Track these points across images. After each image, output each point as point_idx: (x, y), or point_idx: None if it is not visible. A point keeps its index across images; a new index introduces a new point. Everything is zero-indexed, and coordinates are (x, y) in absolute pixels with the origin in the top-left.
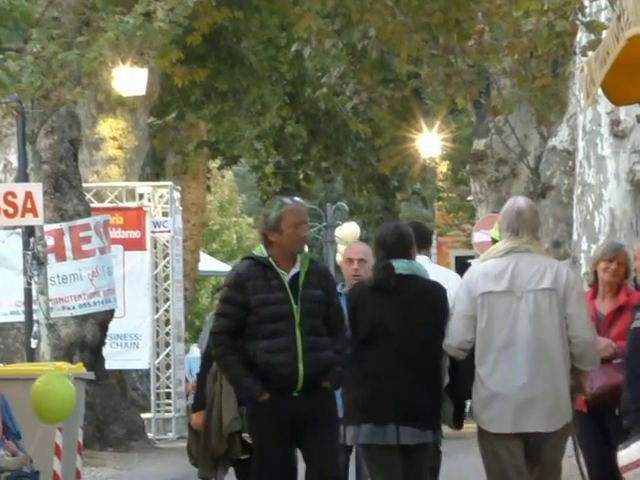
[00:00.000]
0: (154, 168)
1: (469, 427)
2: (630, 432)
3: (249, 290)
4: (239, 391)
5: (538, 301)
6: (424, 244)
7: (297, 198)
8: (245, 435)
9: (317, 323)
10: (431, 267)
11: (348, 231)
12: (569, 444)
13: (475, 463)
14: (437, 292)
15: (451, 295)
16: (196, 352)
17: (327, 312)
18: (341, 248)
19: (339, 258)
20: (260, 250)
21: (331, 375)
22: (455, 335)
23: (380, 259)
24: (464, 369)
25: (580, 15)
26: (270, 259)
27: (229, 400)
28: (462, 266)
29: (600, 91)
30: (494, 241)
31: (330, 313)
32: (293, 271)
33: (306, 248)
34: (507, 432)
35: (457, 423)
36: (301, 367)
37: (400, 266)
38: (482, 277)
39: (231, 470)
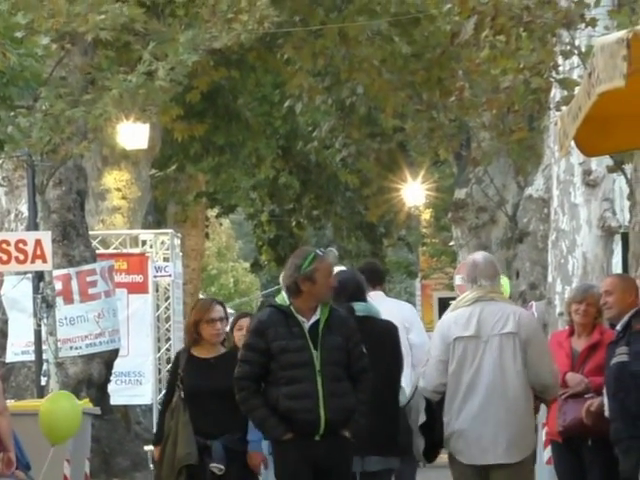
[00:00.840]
0: (156, 217)
1: (443, 456)
2: (623, 459)
3: (270, 337)
4: (264, 432)
5: (502, 344)
6: (379, 281)
7: (325, 250)
8: (213, 466)
9: (337, 370)
10: (387, 301)
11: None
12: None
13: None
14: (390, 330)
15: (407, 322)
16: None
17: (348, 359)
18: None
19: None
20: (282, 298)
21: (351, 424)
22: (430, 379)
23: (341, 303)
24: (440, 411)
25: (554, 73)
26: (291, 307)
27: (184, 434)
28: (444, 307)
29: (573, 143)
30: None
31: (351, 360)
32: (313, 318)
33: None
34: (474, 463)
35: (429, 457)
36: (322, 413)
37: (359, 308)
38: (453, 324)
39: None
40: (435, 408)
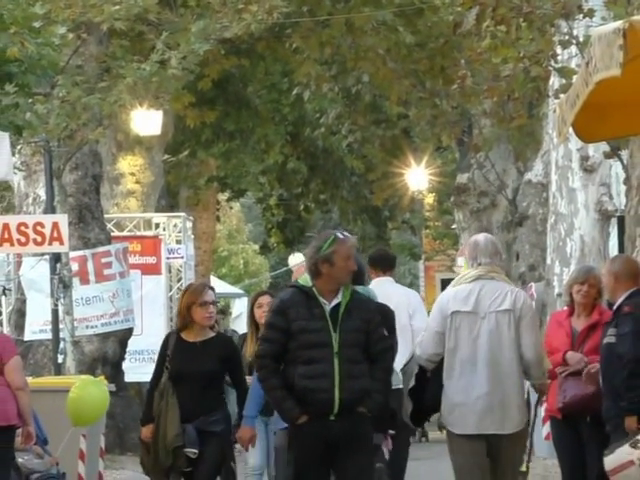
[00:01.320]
0: (169, 200)
1: (435, 435)
2: (611, 436)
3: (291, 317)
4: (280, 413)
5: (498, 320)
6: (389, 267)
7: (347, 233)
8: (187, 450)
9: (355, 352)
10: (394, 286)
11: None
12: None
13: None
14: (386, 313)
15: (411, 308)
16: None
17: (367, 341)
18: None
19: None
20: (305, 279)
21: (368, 401)
22: (425, 348)
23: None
24: (434, 383)
25: (553, 62)
26: (314, 289)
27: (173, 417)
28: (447, 288)
29: (571, 130)
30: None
31: (371, 342)
32: (335, 301)
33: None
34: (470, 433)
35: (417, 422)
36: (337, 393)
37: (357, 291)
38: (452, 299)
39: None
40: (427, 377)
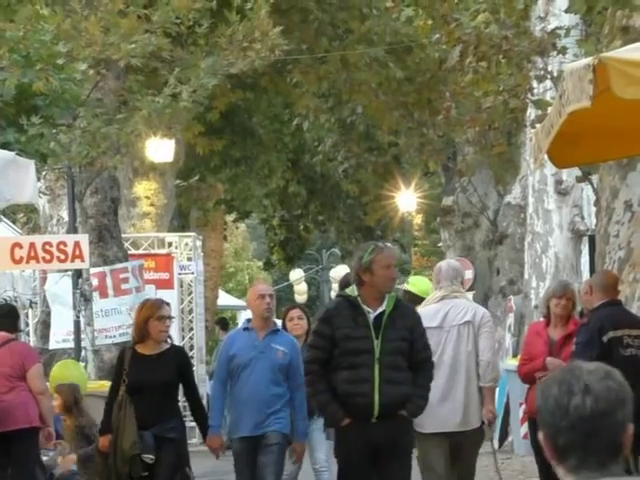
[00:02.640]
0: (180, 221)
1: None
2: None
3: (336, 325)
4: (325, 416)
5: (460, 332)
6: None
7: (388, 243)
8: (145, 456)
9: (397, 359)
10: None
11: (340, 272)
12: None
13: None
14: None
15: None
16: None
17: (410, 349)
18: (335, 287)
19: (334, 295)
20: (352, 289)
21: (409, 405)
22: None
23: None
24: None
25: (529, 95)
26: (358, 298)
27: (129, 427)
28: None
29: (546, 156)
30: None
31: (414, 350)
32: (379, 310)
33: (304, 286)
34: (434, 431)
35: None
36: (377, 397)
37: None
38: (423, 318)
39: None
40: None
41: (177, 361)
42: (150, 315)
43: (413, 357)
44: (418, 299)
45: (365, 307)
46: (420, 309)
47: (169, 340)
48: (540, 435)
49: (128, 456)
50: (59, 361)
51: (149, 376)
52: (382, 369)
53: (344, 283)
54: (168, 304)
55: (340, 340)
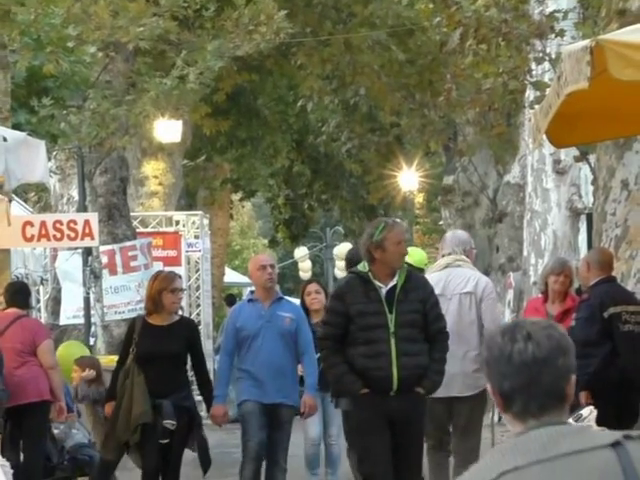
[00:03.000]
0: (187, 200)
1: None
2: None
3: (349, 301)
4: (342, 388)
5: (461, 301)
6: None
7: (398, 220)
8: (166, 422)
9: (412, 331)
10: None
11: (343, 250)
12: None
13: None
14: None
15: None
16: None
17: (425, 321)
18: (339, 264)
19: (337, 272)
20: (363, 265)
21: (425, 382)
22: None
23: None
24: None
25: (528, 76)
26: (370, 274)
27: (139, 395)
28: None
29: (544, 136)
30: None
31: (428, 322)
32: (390, 284)
33: (309, 263)
34: (438, 396)
35: None
36: (395, 370)
37: None
38: None
39: None
40: None
41: (187, 333)
42: (164, 287)
43: (427, 328)
44: (414, 269)
45: (377, 282)
46: (425, 276)
47: (180, 312)
48: (488, 387)
49: (136, 423)
50: (69, 338)
51: (159, 346)
52: (398, 342)
53: (351, 259)
54: (180, 277)
55: (354, 316)
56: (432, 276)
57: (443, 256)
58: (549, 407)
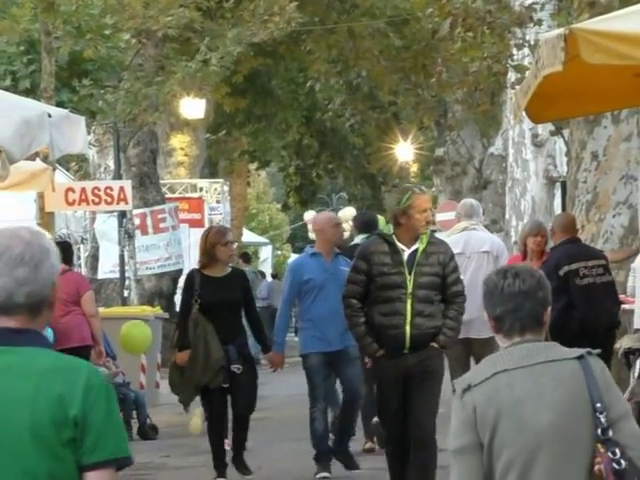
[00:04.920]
0: (210, 169)
1: None
2: None
3: (372, 261)
4: (362, 346)
5: (480, 259)
6: (374, 228)
7: (424, 187)
8: (233, 366)
9: (429, 293)
10: None
11: (347, 213)
12: None
13: None
14: None
15: None
16: None
17: (443, 284)
18: (344, 225)
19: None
20: (388, 228)
21: (440, 337)
22: None
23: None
24: None
25: (510, 60)
26: (394, 236)
27: (214, 341)
28: None
29: (524, 113)
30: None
31: (446, 285)
32: (413, 247)
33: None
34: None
35: None
36: (408, 329)
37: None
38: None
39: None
40: None
41: (241, 282)
42: (217, 241)
43: (446, 291)
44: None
45: (400, 245)
46: (445, 238)
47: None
48: (485, 315)
49: (215, 368)
50: (106, 290)
51: (220, 296)
52: (414, 303)
53: (367, 222)
54: (231, 230)
55: (375, 275)
56: (452, 238)
57: (461, 221)
58: (529, 328)
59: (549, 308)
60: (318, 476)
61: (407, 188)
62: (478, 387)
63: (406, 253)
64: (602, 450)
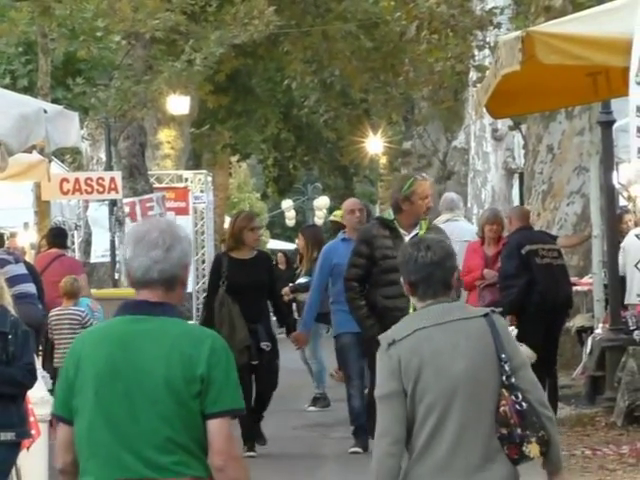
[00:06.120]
0: (194, 161)
1: None
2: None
3: (375, 245)
4: (362, 329)
5: (462, 247)
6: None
7: (425, 175)
8: (263, 344)
9: None
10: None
11: (321, 202)
12: None
13: None
14: None
15: None
16: None
17: None
18: (318, 213)
19: (316, 220)
20: (389, 213)
21: None
22: None
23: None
24: None
25: (472, 61)
26: (395, 221)
27: (239, 321)
28: None
29: (484, 109)
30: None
31: None
32: (413, 232)
33: (293, 213)
34: None
35: None
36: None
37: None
38: None
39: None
40: None
41: (267, 265)
42: (244, 226)
43: None
44: (344, 227)
45: (401, 230)
46: None
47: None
48: (402, 279)
49: (239, 347)
50: (98, 273)
51: (247, 277)
52: None
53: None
54: (258, 215)
55: (379, 259)
56: None
57: (443, 213)
58: (440, 292)
59: (455, 274)
60: (351, 450)
61: (409, 175)
62: (401, 342)
63: (407, 238)
64: (507, 394)
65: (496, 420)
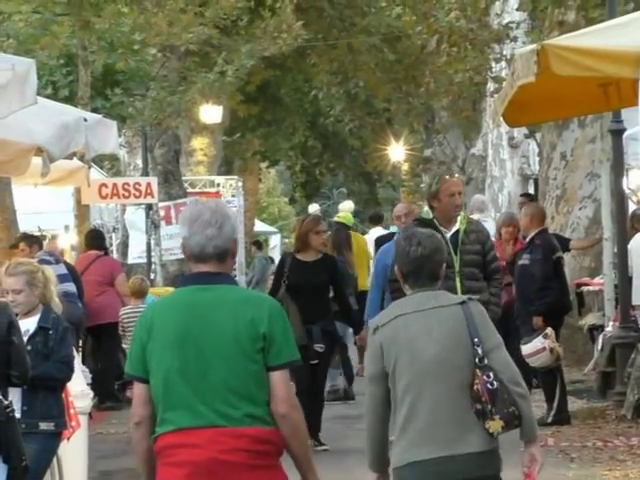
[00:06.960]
0: (226, 168)
1: None
2: (520, 329)
3: None
4: None
5: None
6: (379, 221)
7: (455, 174)
8: (316, 346)
9: (474, 270)
10: (380, 231)
11: (346, 206)
12: None
13: None
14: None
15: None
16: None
17: (484, 262)
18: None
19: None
20: (427, 213)
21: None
22: None
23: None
24: None
25: (489, 72)
26: (434, 219)
27: (296, 321)
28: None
29: (501, 118)
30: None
31: (486, 262)
32: (453, 229)
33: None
34: None
35: None
36: None
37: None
38: None
39: None
40: None
41: (330, 267)
42: (310, 229)
43: (486, 268)
44: (347, 227)
45: (441, 227)
46: None
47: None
48: (396, 269)
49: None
50: (135, 273)
51: (306, 279)
52: (462, 280)
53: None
54: (324, 219)
55: None
56: None
57: (472, 213)
58: (428, 283)
59: (444, 265)
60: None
61: (436, 173)
62: (384, 327)
63: (448, 235)
64: (480, 374)
65: (471, 397)
